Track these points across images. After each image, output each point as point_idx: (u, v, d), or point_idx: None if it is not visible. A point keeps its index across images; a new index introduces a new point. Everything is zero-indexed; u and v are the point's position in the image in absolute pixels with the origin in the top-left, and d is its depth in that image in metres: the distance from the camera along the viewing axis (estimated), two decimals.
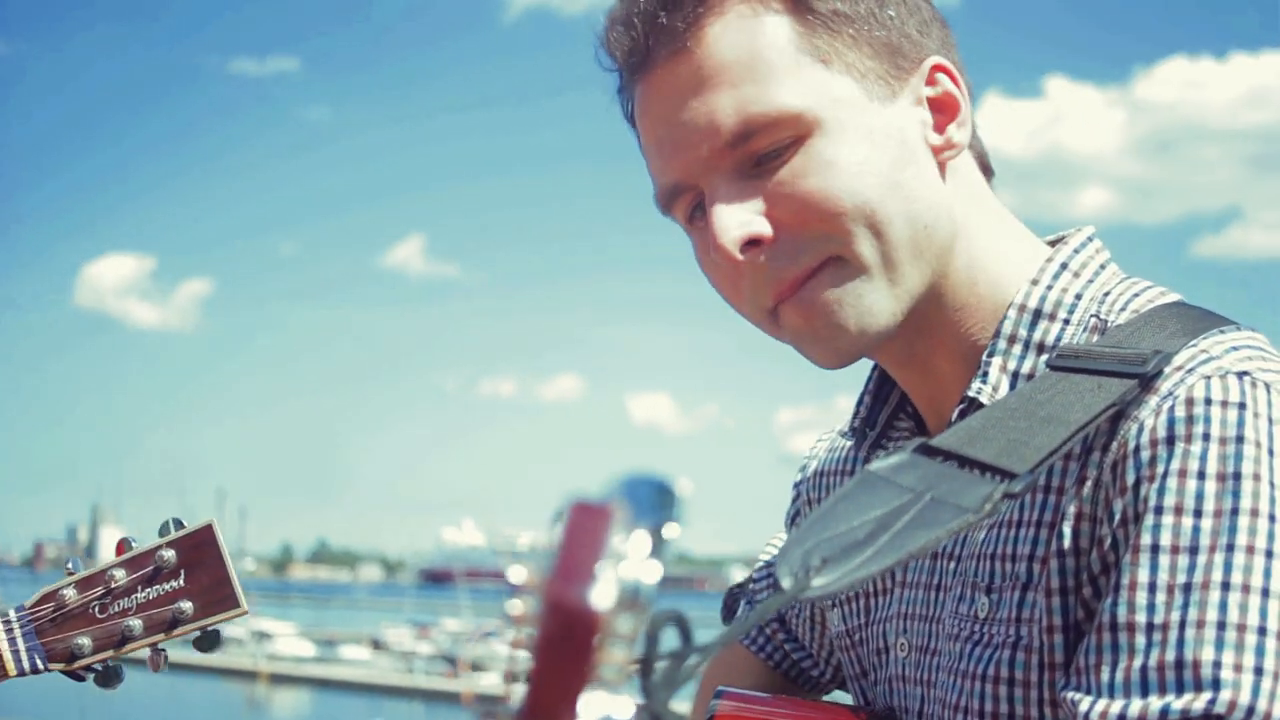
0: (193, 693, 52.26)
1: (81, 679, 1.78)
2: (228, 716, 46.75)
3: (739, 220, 1.47)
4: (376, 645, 65.92)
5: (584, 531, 0.76)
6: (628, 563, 0.75)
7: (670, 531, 0.80)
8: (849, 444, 1.81)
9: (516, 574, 0.83)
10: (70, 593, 1.78)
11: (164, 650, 1.78)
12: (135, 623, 1.76)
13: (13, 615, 1.78)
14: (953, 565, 1.55)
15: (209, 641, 1.78)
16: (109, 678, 1.79)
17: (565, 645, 0.74)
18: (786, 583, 1.20)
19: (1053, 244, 1.62)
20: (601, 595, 0.73)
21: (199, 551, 1.79)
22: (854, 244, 1.46)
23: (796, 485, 1.91)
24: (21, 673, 1.76)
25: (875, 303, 1.49)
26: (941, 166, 1.53)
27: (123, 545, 1.80)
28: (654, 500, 0.80)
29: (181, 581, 1.78)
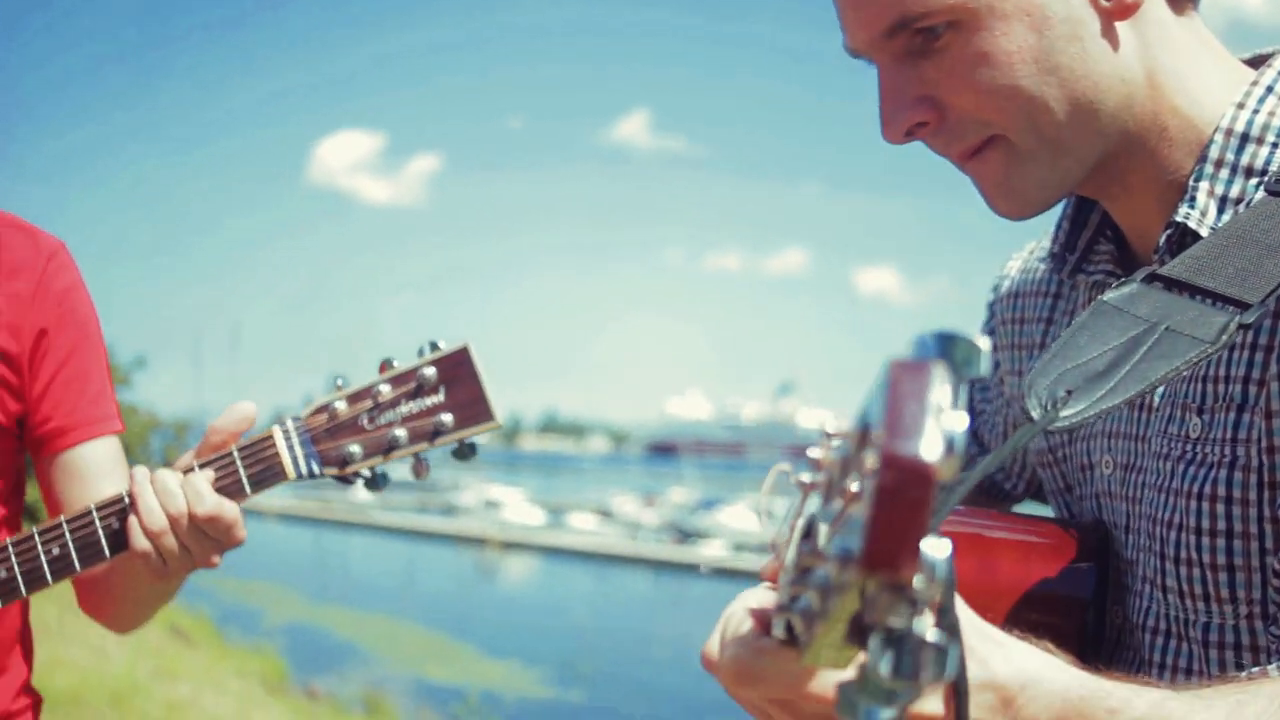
0: (427, 558, 54.02)
1: (350, 483, 1.93)
2: (460, 581, 48.19)
3: (901, 111, 1.50)
4: (604, 514, 67.07)
5: (909, 388, 0.79)
6: (945, 414, 0.79)
7: (973, 378, 0.85)
8: (1044, 267, 1.81)
9: (829, 422, 0.90)
10: (341, 405, 1.92)
11: (425, 459, 1.92)
12: (401, 433, 1.90)
13: (290, 424, 1.93)
14: (1160, 386, 1.58)
15: (466, 452, 1.91)
16: (375, 482, 1.93)
17: (903, 497, 0.77)
18: (1035, 413, 1.25)
19: (1250, 63, 1.58)
20: (930, 447, 0.77)
21: (457, 370, 1.91)
22: (1013, 130, 1.47)
23: (990, 305, 1.92)
24: (299, 476, 1.92)
25: (1041, 178, 1.50)
26: (1113, 28, 1.48)
27: (385, 365, 1.92)
28: (959, 354, 0.85)
29: (441, 397, 1.90)
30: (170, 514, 1.89)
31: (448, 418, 1.90)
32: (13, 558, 1.94)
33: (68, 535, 1.94)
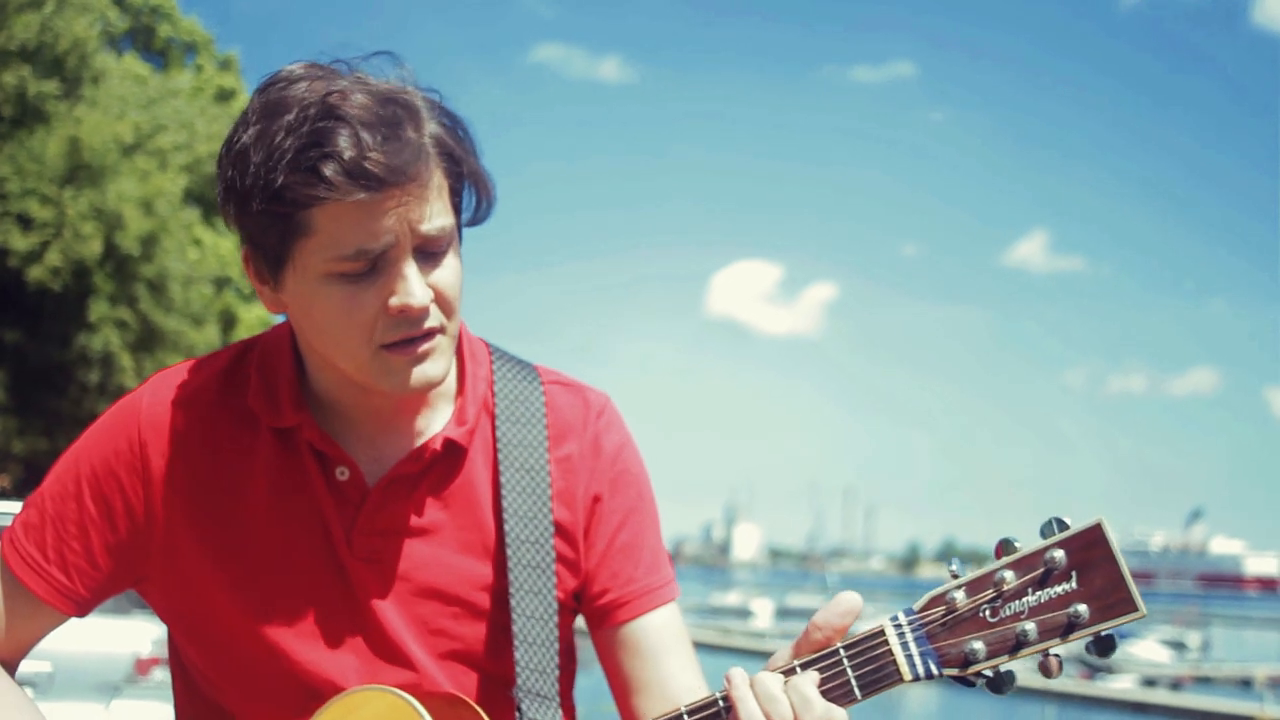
0: None
1: (971, 684, 1.71)
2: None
3: None
4: None
5: None
6: None
7: None
8: None
9: None
10: (959, 596, 1.71)
11: (1058, 656, 1.68)
12: (1029, 627, 1.67)
13: (902, 619, 1.73)
14: None
15: (1105, 646, 1.67)
16: (1001, 683, 1.71)
17: None
18: None
19: None
20: None
21: (1089, 552, 1.67)
22: None
23: None
24: (915, 677, 1.71)
25: None
26: None
27: (1002, 547, 1.71)
28: None
29: (1074, 584, 1.67)
30: None
31: (1083, 609, 1.65)
32: None
33: None
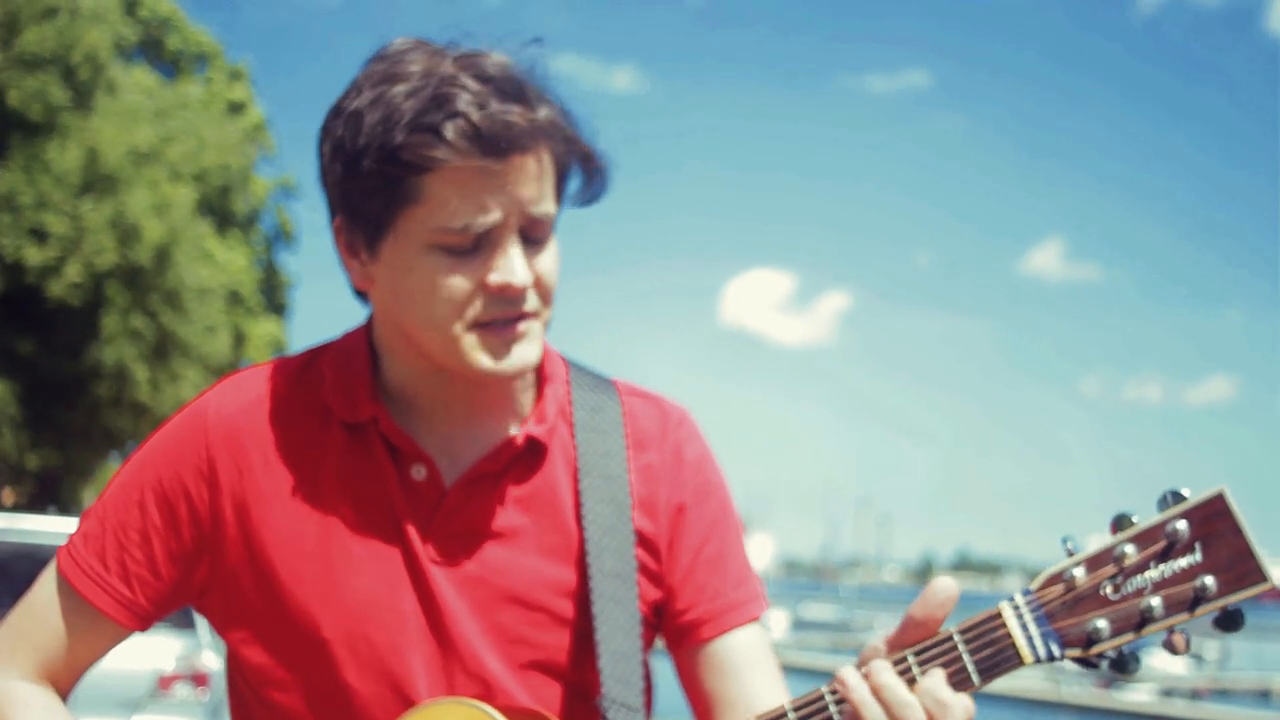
0: None
1: (1095, 666, 1.63)
2: None
3: None
4: None
5: None
6: None
7: None
8: None
9: None
10: (1079, 573, 1.63)
11: (1185, 632, 1.61)
12: (1154, 602, 1.60)
13: (1019, 599, 1.65)
14: None
15: (1232, 621, 1.59)
16: (1125, 663, 1.63)
17: None
18: None
19: None
20: None
21: (1213, 523, 1.60)
22: None
23: None
24: (1037, 660, 1.62)
25: None
26: None
27: (1117, 522, 1.64)
28: None
29: (1199, 556, 1.59)
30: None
31: (1210, 581, 1.58)
32: None
33: None
